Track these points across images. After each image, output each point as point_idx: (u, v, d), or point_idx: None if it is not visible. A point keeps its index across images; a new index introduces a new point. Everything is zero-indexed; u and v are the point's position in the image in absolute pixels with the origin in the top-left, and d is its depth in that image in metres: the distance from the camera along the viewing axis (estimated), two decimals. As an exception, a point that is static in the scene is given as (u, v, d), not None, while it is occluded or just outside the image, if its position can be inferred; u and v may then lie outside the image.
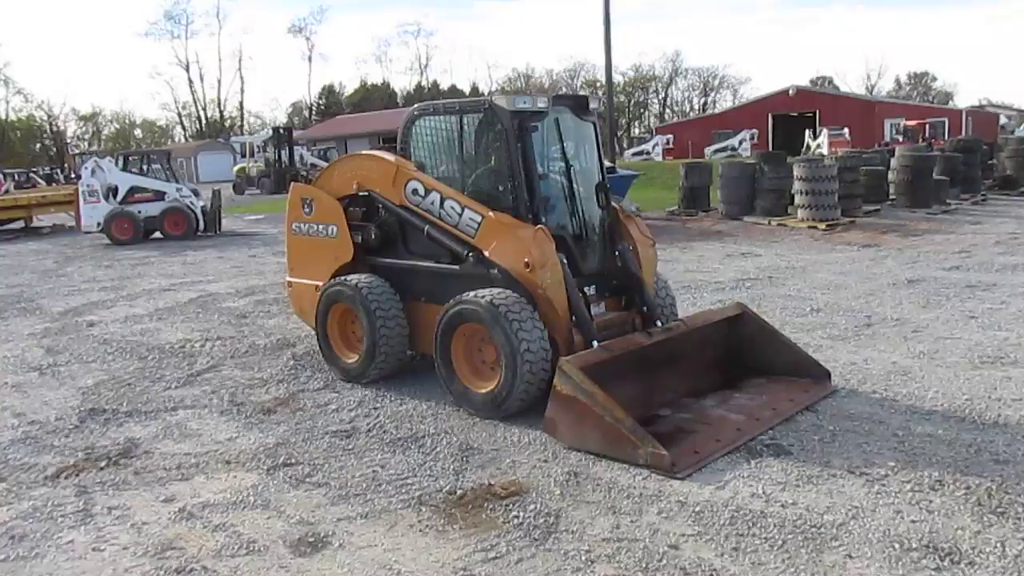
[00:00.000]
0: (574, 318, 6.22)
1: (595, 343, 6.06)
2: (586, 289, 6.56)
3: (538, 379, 5.97)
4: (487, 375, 6.32)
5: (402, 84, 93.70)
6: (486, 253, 6.42)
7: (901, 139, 38.15)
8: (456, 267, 6.70)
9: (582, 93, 8.07)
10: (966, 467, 4.99)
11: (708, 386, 6.45)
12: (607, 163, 22.50)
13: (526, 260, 6.15)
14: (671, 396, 6.25)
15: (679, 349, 6.46)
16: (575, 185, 6.81)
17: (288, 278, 8.20)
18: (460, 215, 6.55)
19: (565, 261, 6.30)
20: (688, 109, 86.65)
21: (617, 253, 6.82)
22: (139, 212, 20.31)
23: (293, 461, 5.58)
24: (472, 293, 6.24)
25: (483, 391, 6.23)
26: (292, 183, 8.37)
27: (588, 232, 6.83)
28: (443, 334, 6.38)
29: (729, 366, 6.77)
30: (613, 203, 7.06)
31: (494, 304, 6.01)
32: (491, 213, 6.39)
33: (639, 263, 6.80)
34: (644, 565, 4.01)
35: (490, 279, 6.43)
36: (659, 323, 6.58)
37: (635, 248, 6.83)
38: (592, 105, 7.03)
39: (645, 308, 6.68)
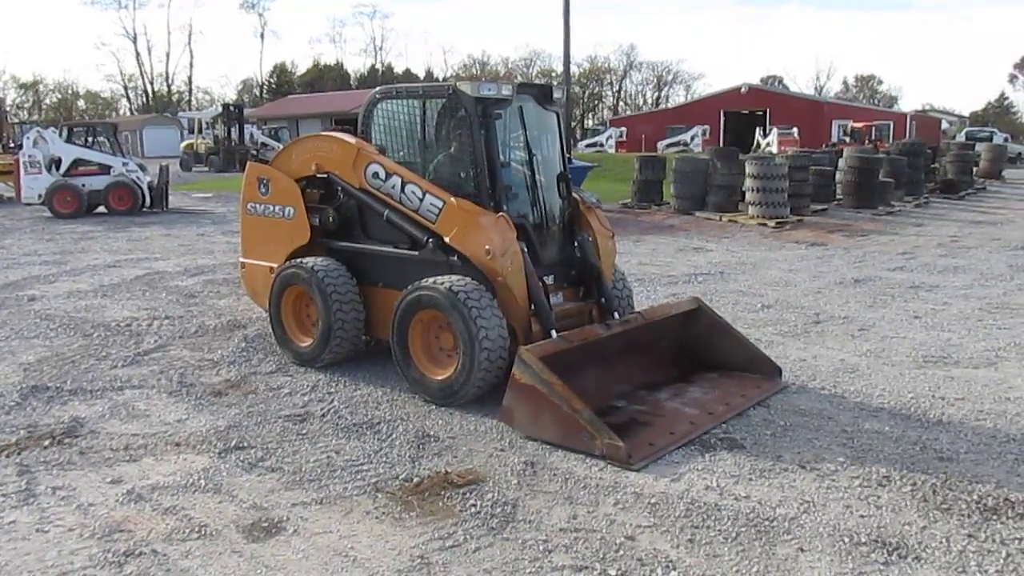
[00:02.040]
0: (533, 307, 6.22)
1: (553, 332, 6.08)
2: (545, 278, 6.56)
3: (495, 367, 5.95)
4: (444, 362, 6.29)
5: (356, 65, 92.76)
6: (446, 239, 6.37)
7: (848, 140, 38.93)
8: (415, 253, 6.64)
9: (546, 83, 8.09)
10: (912, 464, 5.12)
11: (663, 378, 6.51)
12: (563, 153, 22.21)
13: (487, 247, 6.12)
14: (627, 388, 6.30)
15: (636, 342, 6.51)
16: (537, 174, 6.80)
17: (241, 259, 8.04)
18: (421, 200, 6.49)
19: (525, 249, 6.29)
20: (642, 103, 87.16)
21: (577, 244, 6.84)
22: (83, 185, 19.70)
23: (245, 445, 5.49)
24: (431, 279, 6.20)
25: (439, 378, 6.20)
26: (249, 162, 8.19)
27: (549, 222, 6.83)
28: (400, 320, 6.33)
29: (683, 359, 6.84)
30: (574, 194, 7.07)
31: (453, 290, 5.98)
32: (453, 199, 6.34)
33: (598, 254, 6.82)
34: (601, 556, 4.03)
35: (449, 265, 6.39)
36: (616, 315, 6.62)
37: (594, 239, 6.85)
38: (556, 95, 7.01)
39: (603, 299, 6.71)
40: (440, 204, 6.39)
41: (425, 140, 6.84)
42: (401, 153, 6.96)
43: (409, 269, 6.62)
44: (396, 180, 6.62)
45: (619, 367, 6.38)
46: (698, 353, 6.86)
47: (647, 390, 6.31)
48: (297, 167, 7.39)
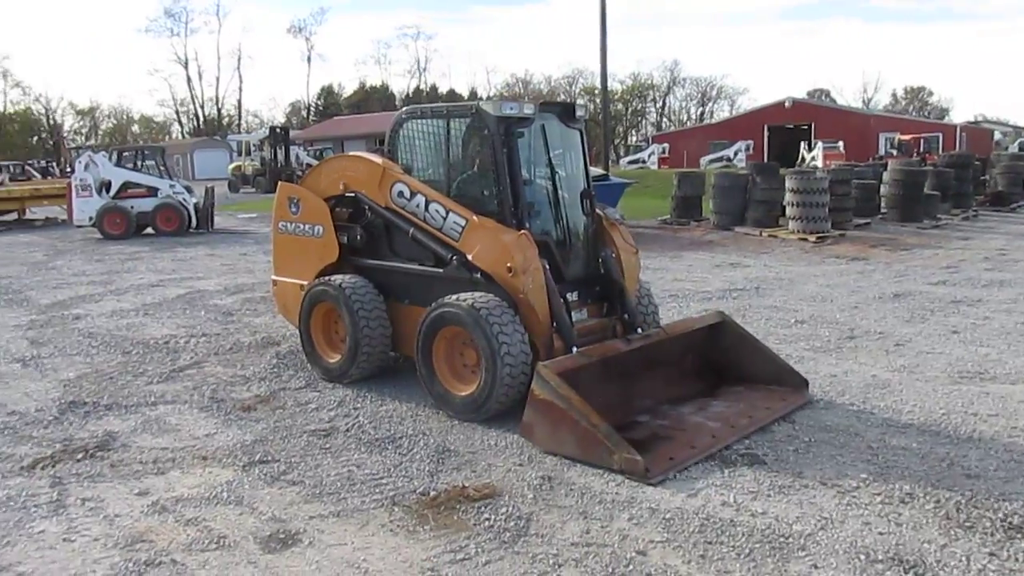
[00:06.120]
0: (555, 324, 6.25)
1: (575, 349, 6.10)
2: (568, 295, 6.59)
3: (518, 382, 5.98)
4: (467, 378, 6.34)
5: (401, 86, 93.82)
6: (469, 256, 6.45)
7: (895, 153, 38.31)
8: (439, 270, 6.72)
9: (569, 100, 8.23)
10: (937, 481, 5.02)
11: (687, 393, 6.48)
12: (600, 171, 22.31)
13: (508, 265, 6.17)
14: (650, 403, 6.28)
15: (658, 356, 6.49)
16: (560, 191, 6.85)
17: (273, 276, 8.22)
18: (445, 218, 6.58)
19: (548, 266, 6.33)
20: (685, 118, 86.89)
21: (600, 260, 6.86)
22: (131, 207, 20.29)
23: (269, 459, 5.59)
24: (454, 296, 6.27)
25: (463, 394, 6.25)
26: (280, 182, 8.38)
27: (572, 238, 6.86)
28: (425, 337, 6.40)
29: (708, 373, 6.81)
30: (597, 210, 7.10)
31: (475, 307, 6.04)
32: (475, 217, 6.42)
33: (621, 270, 6.84)
34: (611, 570, 4.02)
35: (473, 283, 6.45)
36: (639, 330, 6.62)
37: (618, 255, 6.86)
38: (579, 113, 7.06)
39: (626, 315, 6.71)
40: (463, 222, 6.47)
41: (449, 159, 6.92)
42: (427, 172, 7.06)
43: (434, 286, 6.69)
44: (420, 199, 6.72)
45: (642, 382, 6.37)
46: (723, 367, 6.82)
47: (670, 405, 6.29)
48: (326, 187, 7.54)
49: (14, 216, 25.65)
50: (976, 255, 15.09)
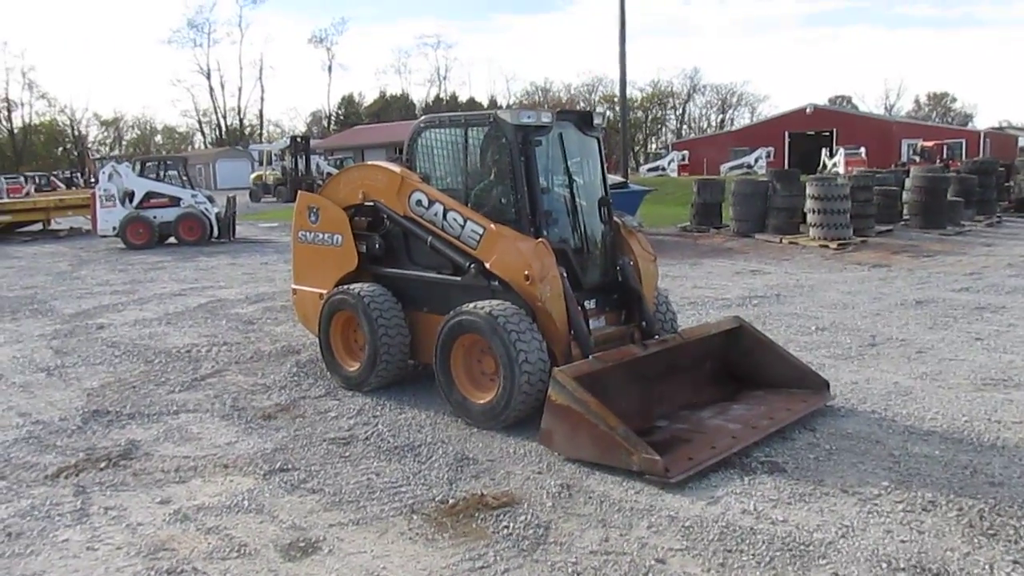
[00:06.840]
0: (572, 331, 6.25)
1: (592, 357, 6.10)
2: (586, 303, 6.60)
3: (536, 390, 5.99)
4: (486, 386, 6.36)
5: (420, 95, 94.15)
6: (487, 265, 6.47)
7: (918, 160, 38.03)
8: (458, 278, 6.75)
9: (586, 109, 8.23)
10: (960, 488, 4.97)
11: (706, 398, 6.46)
12: (619, 178, 22.30)
13: (526, 273, 6.19)
14: (668, 408, 6.26)
15: (675, 361, 6.48)
16: (577, 199, 6.86)
17: (293, 285, 8.29)
18: (463, 227, 6.61)
19: (565, 274, 6.34)
20: (706, 126, 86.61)
21: (618, 268, 6.86)
22: (154, 217, 20.51)
23: (290, 467, 5.62)
24: (472, 304, 6.29)
25: (481, 402, 6.27)
26: (299, 192, 8.45)
27: (590, 246, 6.87)
28: (443, 345, 6.43)
29: (727, 379, 6.79)
30: (615, 218, 7.10)
31: (493, 315, 6.06)
32: (493, 225, 6.45)
33: (639, 278, 6.84)
34: (629, 578, 4.02)
35: (491, 291, 6.47)
36: (656, 337, 6.61)
37: (636, 263, 6.87)
38: (596, 121, 7.07)
39: (644, 323, 6.71)
40: (480, 231, 6.49)
41: (467, 167, 6.95)
42: (445, 180, 7.10)
43: (452, 294, 6.72)
44: (438, 207, 6.75)
45: (661, 388, 6.36)
46: (742, 372, 6.80)
47: (690, 410, 6.27)
48: (345, 196, 7.59)
49: (39, 226, 26.01)
50: (1000, 261, 14.95)
